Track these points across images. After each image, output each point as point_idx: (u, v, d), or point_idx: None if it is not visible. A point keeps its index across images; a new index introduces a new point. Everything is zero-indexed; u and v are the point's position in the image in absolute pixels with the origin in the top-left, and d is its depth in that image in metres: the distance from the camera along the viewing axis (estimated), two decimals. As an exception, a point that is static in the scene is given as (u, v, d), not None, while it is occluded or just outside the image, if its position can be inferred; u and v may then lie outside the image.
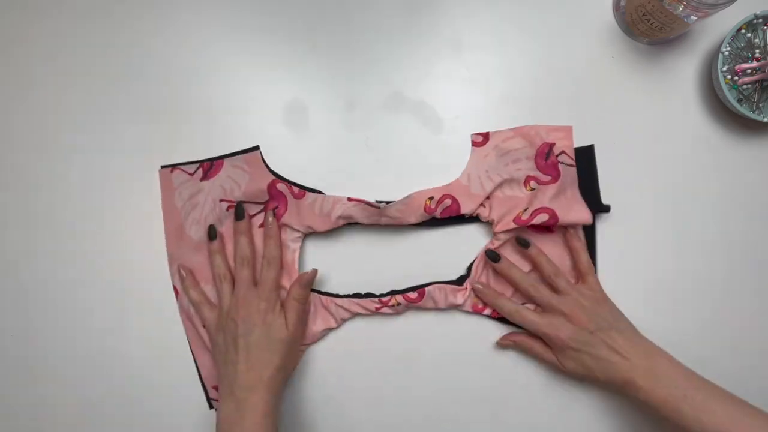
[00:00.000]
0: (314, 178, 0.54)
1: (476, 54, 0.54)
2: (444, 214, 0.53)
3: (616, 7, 0.54)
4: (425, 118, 0.54)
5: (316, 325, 0.53)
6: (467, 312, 0.54)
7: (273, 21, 0.55)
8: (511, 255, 0.53)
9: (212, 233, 0.52)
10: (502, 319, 0.53)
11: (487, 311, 0.53)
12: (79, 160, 0.55)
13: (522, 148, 0.53)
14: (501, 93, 0.54)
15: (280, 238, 0.53)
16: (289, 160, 0.54)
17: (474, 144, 0.54)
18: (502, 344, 0.53)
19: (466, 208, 0.53)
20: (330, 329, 0.54)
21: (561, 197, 0.52)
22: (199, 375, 0.55)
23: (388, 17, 0.55)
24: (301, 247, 0.54)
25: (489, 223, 0.53)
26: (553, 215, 0.51)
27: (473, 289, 0.53)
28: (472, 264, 0.54)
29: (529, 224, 0.51)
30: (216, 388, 0.54)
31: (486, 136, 0.54)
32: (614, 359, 0.48)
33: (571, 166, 0.53)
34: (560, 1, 0.54)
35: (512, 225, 0.51)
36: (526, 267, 0.53)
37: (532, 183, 0.52)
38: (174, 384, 0.55)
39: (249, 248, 0.52)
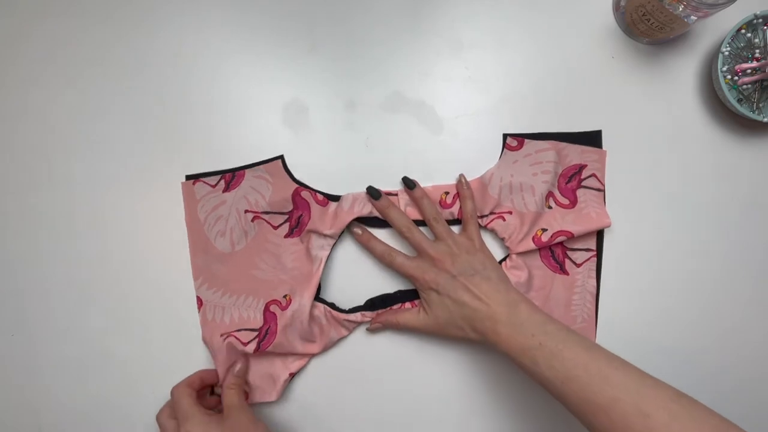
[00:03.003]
0: (314, 178, 0.54)
1: (476, 54, 0.54)
2: (460, 215, 0.52)
3: (616, 7, 0.54)
4: (425, 118, 0.54)
5: (331, 334, 0.53)
6: None
7: (273, 21, 0.55)
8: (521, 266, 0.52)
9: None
10: None
11: None
12: (79, 160, 0.55)
13: (553, 162, 0.52)
14: (501, 93, 0.54)
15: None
16: (289, 160, 0.54)
17: (508, 147, 0.53)
18: (372, 330, 0.53)
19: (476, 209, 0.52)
20: (343, 337, 0.54)
21: (581, 217, 0.52)
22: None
23: (388, 17, 0.55)
24: (328, 257, 0.53)
25: (502, 239, 0.53)
26: (572, 236, 0.51)
27: (352, 232, 0.53)
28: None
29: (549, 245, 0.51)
30: None
31: (521, 142, 0.53)
32: (474, 304, 0.46)
33: (599, 190, 0.53)
34: (560, 1, 0.54)
35: (532, 246, 0.51)
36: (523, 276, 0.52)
37: (551, 201, 0.52)
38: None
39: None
